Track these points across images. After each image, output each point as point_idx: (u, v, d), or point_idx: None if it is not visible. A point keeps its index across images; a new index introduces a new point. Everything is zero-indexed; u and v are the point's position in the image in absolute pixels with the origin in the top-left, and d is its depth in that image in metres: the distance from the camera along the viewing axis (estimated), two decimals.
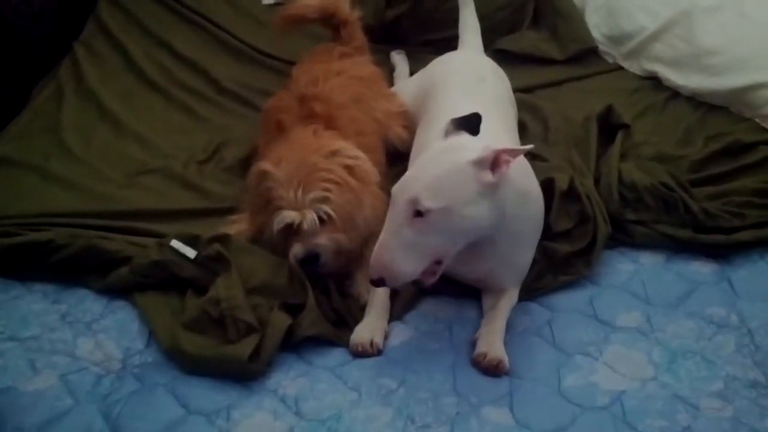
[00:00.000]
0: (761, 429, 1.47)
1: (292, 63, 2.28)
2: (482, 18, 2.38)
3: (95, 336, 1.62)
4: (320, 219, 1.69)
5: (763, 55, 2.25)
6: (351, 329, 1.64)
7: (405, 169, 1.63)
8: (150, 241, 1.75)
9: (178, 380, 1.53)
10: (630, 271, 1.81)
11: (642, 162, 2.01)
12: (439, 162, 1.52)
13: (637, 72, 2.49)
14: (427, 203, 1.47)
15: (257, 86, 2.34)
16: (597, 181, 1.97)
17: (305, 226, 1.68)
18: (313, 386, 1.53)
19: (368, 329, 1.63)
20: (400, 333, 1.66)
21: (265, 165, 1.74)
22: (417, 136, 1.98)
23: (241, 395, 1.51)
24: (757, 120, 2.23)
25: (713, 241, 1.85)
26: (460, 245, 1.54)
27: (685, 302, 1.73)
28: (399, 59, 2.48)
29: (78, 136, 2.14)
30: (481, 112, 1.91)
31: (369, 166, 1.81)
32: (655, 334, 1.66)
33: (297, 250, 1.69)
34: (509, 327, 1.66)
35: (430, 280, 1.56)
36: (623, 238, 1.88)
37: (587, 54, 2.54)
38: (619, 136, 2.09)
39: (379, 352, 1.61)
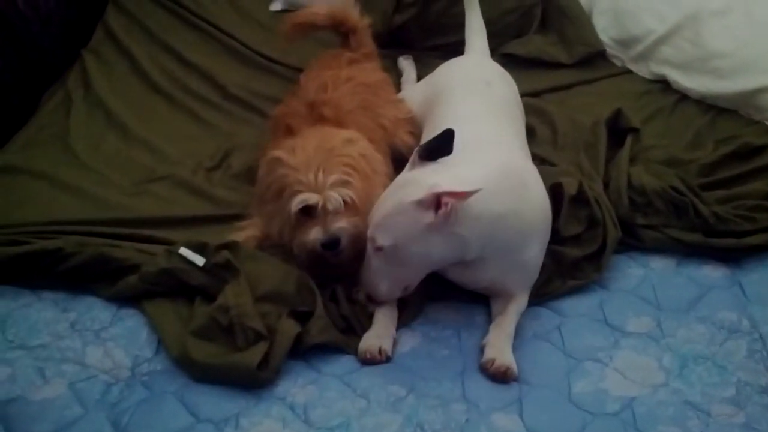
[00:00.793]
0: None
1: (299, 69, 2.28)
2: (489, 22, 2.37)
3: (104, 344, 1.62)
4: (343, 202, 1.67)
5: None
6: (359, 337, 1.64)
7: None
8: (158, 248, 1.75)
9: (186, 388, 1.53)
10: (640, 275, 1.81)
11: (651, 166, 2.01)
12: (390, 200, 1.59)
13: (646, 75, 2.47)
14: (379, 241, 1.58)
15: (265, 93, 2.34)
16: (606, 186, 1.96)
17: (330, 207, 1.65)
18: (321, 394, 1.53)
19: (377, 336, 1.62)
20: (409, 340, 1.66)
21: (278, 153, 1.73)
22: (423, 141, 1.97)
23: (249, 403, 1.51)
24: (766, 123, 2.22)
25: (724, 245, 1.84)
26: (423, 274, 1.64)
27: (696, 307, 1.72)
28: (406, 64, 2.48)
29: (86, 144, 2.14)
30: (488, 117, 1.93)
31: (379, 157, 1.81)
32: (665, 340, 1.65)
33: (317, 234, 1.67)
34: (518, 332, 1.65)
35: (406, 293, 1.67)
36: (633, 242, 1.87)
37: (595, 58, 2.53)
38: (628, 139, 2.09)
39: (388, 359, 1.61)
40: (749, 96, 2.25)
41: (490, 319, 1.69)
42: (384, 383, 1.55)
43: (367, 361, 1.59)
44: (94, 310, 1.69)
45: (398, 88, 2.36)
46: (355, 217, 1.68)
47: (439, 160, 1.65)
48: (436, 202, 1.52)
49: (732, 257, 1.84)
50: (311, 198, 1.66)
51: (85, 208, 1.91)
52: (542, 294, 1.75)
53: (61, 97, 2.31)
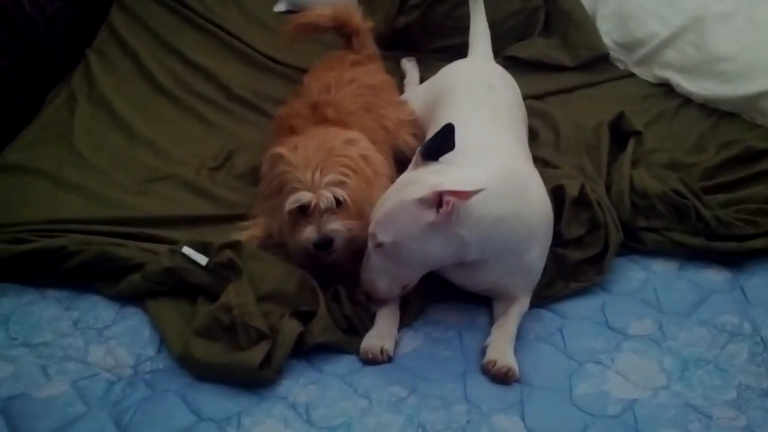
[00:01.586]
0: None
1: (302, 70, 2.29)
2: (493, 25, 2.37)
3: (107, 342, 1.62)
4: (336, 202, 1.67)
5: None
6: (361, 337, 1.64)
7: None
8: (162, 247, 1.76)
9: (189, 387, 1.54)
10: (642, 278, 1.81)
11: (654, 169, 2.01)
12: (392, 197, 1.60)
13: (649, 79, 2.48)
14: (379, 237, 1.58)
15: (268, 93, 2.35)
16: (608, 188, 1.96)
17: (321, 205, 1.66)
18: (323, 393, 1.53)
19: (378, 337, 1.63)
20: (411, 340, 1.66)
21: (281, 150, 1.73)
22: None
23: (251, 402, 1.51)
24: None
25: (726, 248, 1.84)
26: (421, 273, 1.65)
27: (698, 310, 1.73)
28: (409, 66, 2.49)
29: (90, 143, 2.15)
30: (490, 120, 1.93)
31: (381, 158, 1.82)
32: (667, 343, 1.65)
33: (310, 233, 1.67)
34: (520, 334, 1.66)
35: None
36: (635, 245, 1.88)
37: (598, 61, 2.53)
38: (631, 143, 2.09)
39: (390, 360, 1.61)
40: (752, 100, 2.25)
41: (492, 321, 1.69)
42: (386, 383, 1.55)
43: (369, 362, 1.60)
44: (97, 309, 1.69)
45: (401, 90, 2.36)
46: (350, 219, 1.69)
47: (442, 160, 1.65)
48: (438, 200, 1.53)
49: (734, 261, 1.84)
50: (304, 197, 1.67)
51: (88, 207, 1.92)
52: (544, 296, 1.75)
53: (65, 96, 2.32)
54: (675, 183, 1.93)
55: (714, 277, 1.81)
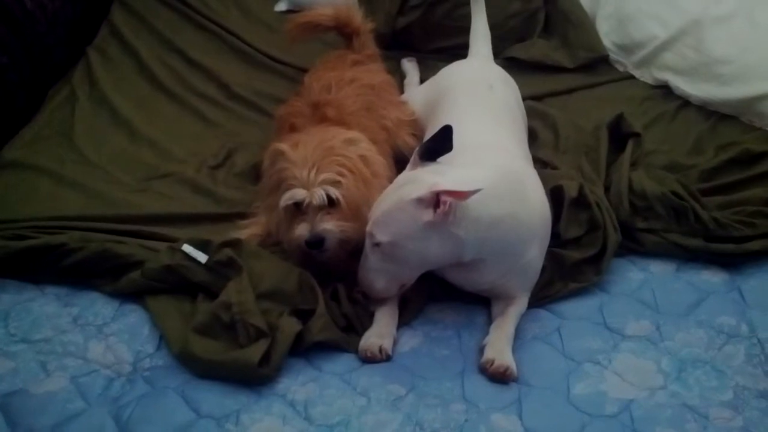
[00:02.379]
0: None
1: (303, 69, 2.29)
2: (493, 26, 2.38)
3: (106, 339, 1.63)
4: (329, 200, 1.68)
5: None
6: (360, 335, 1.64)
7: None
8: (162, 245, 1.76)
9: (188, 384, 1.54)
10: (640, 279, 1.81)
11: (652, 170, 2.01)
12: (390, 197, 1.60)
13: (648, 81, 2.48)
14: (377, 236, 1.59)
15: (269, 92, 2.35)
16: (607, 189, 1.97)
17: (314, 202, 1.67)
18: (322, 391, 1.54)
19: (377, 335, 1.63)
20: (409, 339, 1.67)
21: (282, 146, 1.74)
22: None
23: (250, 400, 1.51)
24: (767, 129, 2.23)
25: (723, 250, 1.84)
26: (419, 273, 1.65)
27: (695, 311, 1.73)
28: (410, 66, 2.49)
29: (91, 141, 2.15)
30: (489, 120, 1.93)
31: (381, 159, 1.82)
32: (664, 343, 1.65)
33: (302, 230, 1.68)
34: (518, 334, 1.66)
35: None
36: (633, 246, 1.88)
37: (598, 62, 2.54)
38: (630, 144, 2.09)
39: (388, 358, 1.61)
40: (751, 102, 2.26)
41: (490, 320, 1.70)
42: (384, 382, 1.56)
43: (368, 360, 1.60)
44: (97, 306, 1.69)
45: (402, 90, 2.37)
46: (345, 220, 1.69)
47: (440, 160, 1.66)
48: (435, 200, 1.53)
49: (731, 262, 1.84)
50: (299, 194, 1.68)
51: (89, 205, 1.92)
52: (542, 296, 1.76)
53: (66, 94, 2.32)
54: (673, 184, 1.94)
55: (712, 278, 1.82)
